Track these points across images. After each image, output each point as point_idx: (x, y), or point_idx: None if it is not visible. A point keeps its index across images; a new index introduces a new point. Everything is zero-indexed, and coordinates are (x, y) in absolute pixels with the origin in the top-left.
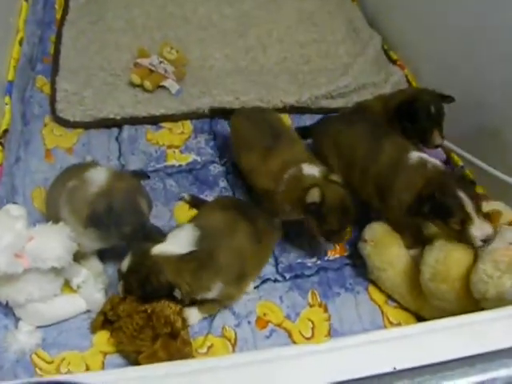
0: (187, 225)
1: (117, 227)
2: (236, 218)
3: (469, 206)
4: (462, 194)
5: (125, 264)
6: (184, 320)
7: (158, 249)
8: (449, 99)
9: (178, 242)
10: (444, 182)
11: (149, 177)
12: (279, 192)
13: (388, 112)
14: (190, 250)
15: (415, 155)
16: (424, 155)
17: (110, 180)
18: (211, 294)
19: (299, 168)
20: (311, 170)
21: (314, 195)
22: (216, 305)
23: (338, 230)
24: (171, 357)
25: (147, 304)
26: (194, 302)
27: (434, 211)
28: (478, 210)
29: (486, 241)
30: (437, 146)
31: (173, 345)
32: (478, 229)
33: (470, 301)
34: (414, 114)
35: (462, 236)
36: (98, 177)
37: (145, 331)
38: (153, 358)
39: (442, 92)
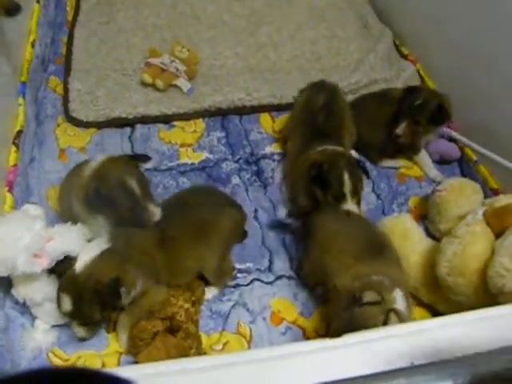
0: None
1: (111, 207)
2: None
3: (348, 187)
4: (346, 175)
5: (66, 304)
6: (190, 312)
7: (80, 264)
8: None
9: (92, 248)
10: (335, 160)
11: (149, 158)
12: None
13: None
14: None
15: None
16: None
17: (103, 164)
18: (136, 291)
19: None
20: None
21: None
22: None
23: None
24: (168, 353)
25: None
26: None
27: (319, 179)
28: (356, 193)
29: None
30: (396, 136)
31: (170, 340)
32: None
33: (488, 295)
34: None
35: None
36: (94, 163)
37: (144, 331)
38: (149, 357)
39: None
